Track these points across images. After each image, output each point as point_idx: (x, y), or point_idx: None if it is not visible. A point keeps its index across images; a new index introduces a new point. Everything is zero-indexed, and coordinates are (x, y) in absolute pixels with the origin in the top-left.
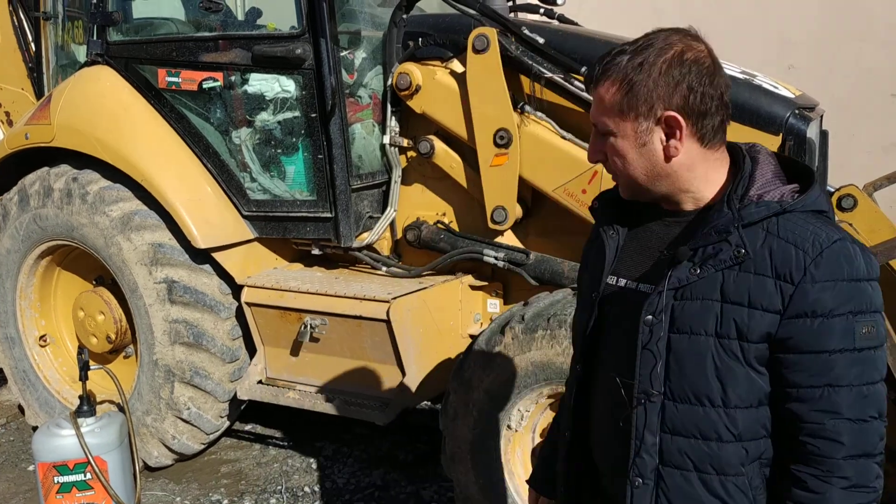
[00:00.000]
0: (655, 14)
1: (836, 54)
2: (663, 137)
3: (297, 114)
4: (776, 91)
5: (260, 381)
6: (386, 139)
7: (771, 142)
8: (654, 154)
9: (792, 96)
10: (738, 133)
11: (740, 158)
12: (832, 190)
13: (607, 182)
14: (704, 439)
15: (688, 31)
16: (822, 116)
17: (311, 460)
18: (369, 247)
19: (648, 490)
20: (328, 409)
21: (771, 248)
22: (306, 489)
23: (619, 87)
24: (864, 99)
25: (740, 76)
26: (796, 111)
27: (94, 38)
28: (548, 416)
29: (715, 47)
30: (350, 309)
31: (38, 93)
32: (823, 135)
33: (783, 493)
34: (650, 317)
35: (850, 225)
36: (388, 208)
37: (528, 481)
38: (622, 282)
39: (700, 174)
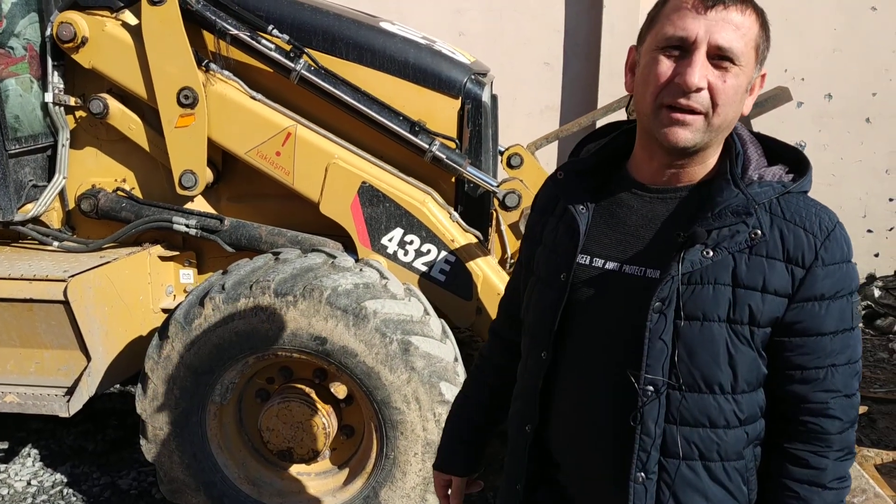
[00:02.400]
0: None
1: (497, 24)
2: (749, 90)
3: None
4: (454, 57)
5: None
6: (48, 97)
7: (451, 105)
8: (744, 103)
9: (467, 62)
10: (422, 96)
11: (728, 135)
12: (503, 150)
13: (302, 145)
14: (713, 427)
15: None
16: (492, 82)
17: None
18: (35, 220)
19: (652, 485)
20: None
21: (781, 231)
22: None
23: (760, 24)
24: (522, 66)
25: (422, 42)
26: (472, 76)
27: None
28: (255, 385)
29: (392, 12)
30: (17, 292)
31: None
32: (494, 99)
33: (778, 471)
34: (659, 303)
35: (521, 181)
36: (57, 175)
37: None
38: (599, 262)
39: (720, 142)
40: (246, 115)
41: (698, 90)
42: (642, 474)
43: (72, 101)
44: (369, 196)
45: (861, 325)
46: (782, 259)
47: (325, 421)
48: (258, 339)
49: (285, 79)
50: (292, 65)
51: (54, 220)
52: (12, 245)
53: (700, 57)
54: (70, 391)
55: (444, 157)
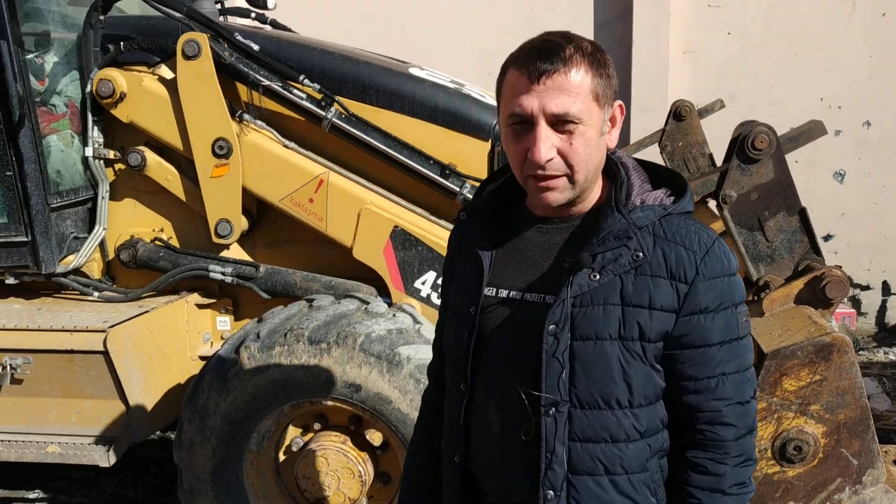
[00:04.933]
0: (362, 21)
1: None
2: (608, 128)
3: None
4: (483, 100)
5: None
6: (88, 151)
7: (481, 147)
8: (605, 145)
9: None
10: (453, 140)
11: (612, 164)
12: None
13: (335, 191)
14: (614, 441)
15: None
16: None
17: None
18: (77, 271)
19: (561, 501)
20: (41, 457)
21: (664, 251)
22: None
23: (594, 73)
24: None
25: (451, 85)
26: None
27: None
28: (291, 433)
29: (421, 56)
30: (59, 343)
31: None
32: None
33: (681, 479)
34: (553, 326)
35: None
36: (97, 227)
37: None
38: (504, 293)
39: (599, 173)
40: (279, 164)
41: (550, 160)
42: (551, 492)
43: (111, 154)
44: (401, 240)
45: None
46: (666, 277)
47: (362, 469)
48: (293, 388)
49: (317, 126)
50: (323, 113)
51: (95, 270)
52: (54, 296)
53: (542, 130)
54: (110, 440)
55: None
